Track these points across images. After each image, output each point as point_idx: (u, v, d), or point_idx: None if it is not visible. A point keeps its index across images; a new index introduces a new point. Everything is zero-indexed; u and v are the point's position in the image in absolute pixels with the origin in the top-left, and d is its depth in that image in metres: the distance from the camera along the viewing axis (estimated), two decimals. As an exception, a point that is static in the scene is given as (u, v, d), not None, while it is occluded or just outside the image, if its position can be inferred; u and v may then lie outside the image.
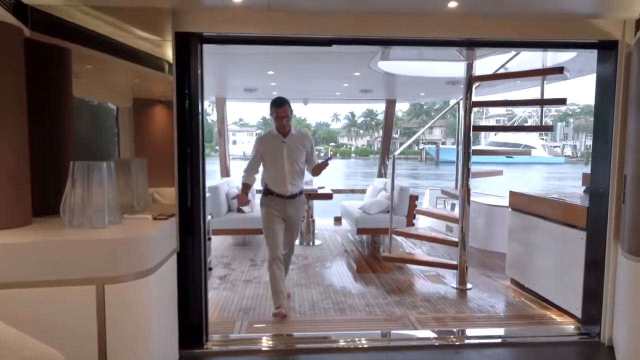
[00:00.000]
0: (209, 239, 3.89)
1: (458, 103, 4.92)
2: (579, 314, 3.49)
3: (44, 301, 2.06)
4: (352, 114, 67.42)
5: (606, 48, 3.11)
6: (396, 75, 5.29)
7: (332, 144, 65.09)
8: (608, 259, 3.15)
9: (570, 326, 3.53)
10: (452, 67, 5.06)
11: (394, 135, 8.75)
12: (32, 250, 2.07)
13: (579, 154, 57.37)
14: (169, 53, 2.75)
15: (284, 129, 3.68)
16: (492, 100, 4.69)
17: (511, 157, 44.29)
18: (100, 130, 2.97)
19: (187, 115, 2.91)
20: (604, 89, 3.19)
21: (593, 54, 3.27)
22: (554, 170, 39.54)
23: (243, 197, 3.87)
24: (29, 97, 2.44)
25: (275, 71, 4.99)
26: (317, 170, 3.89)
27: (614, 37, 3.03)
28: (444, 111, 6.05)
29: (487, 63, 4.59)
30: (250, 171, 3.86)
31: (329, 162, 3.81)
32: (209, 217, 3.77)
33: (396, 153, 4.83)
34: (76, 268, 2.10)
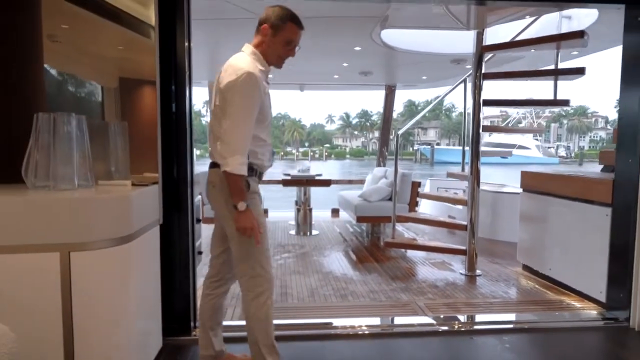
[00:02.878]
0: (199, 220, 3.59)
1: (465, 80, 4.63)
2: (603, 298, 3.20)
3: (-2, 271, 1.74)
4: (347, 115, 67.18)
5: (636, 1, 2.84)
6: (398, 52, 4.99)
7: (327, 145, 64.81)
8: (639, 235, 2.87)
9: (592, 311, 3.24)
10: (458, 42, 4.78)
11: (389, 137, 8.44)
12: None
13: (572, 155, 57.57)
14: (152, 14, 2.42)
15: (282, 61, 2.17)
16: (504, 71, 4.40)
17: (505, 158, 44.36)
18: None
19: (172, 69, 2.59)
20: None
21: (618, 17, 2.99)
22: (549, 170, 39.35)
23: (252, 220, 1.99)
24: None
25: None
26: None
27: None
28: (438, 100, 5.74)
29: (498, 36, 4.31)
30: (249, 142, 2.00)
31: None
32: (198, 197, 3.47)
33: (400, 132, 4.53)
34: (36, 232, 1.77)
